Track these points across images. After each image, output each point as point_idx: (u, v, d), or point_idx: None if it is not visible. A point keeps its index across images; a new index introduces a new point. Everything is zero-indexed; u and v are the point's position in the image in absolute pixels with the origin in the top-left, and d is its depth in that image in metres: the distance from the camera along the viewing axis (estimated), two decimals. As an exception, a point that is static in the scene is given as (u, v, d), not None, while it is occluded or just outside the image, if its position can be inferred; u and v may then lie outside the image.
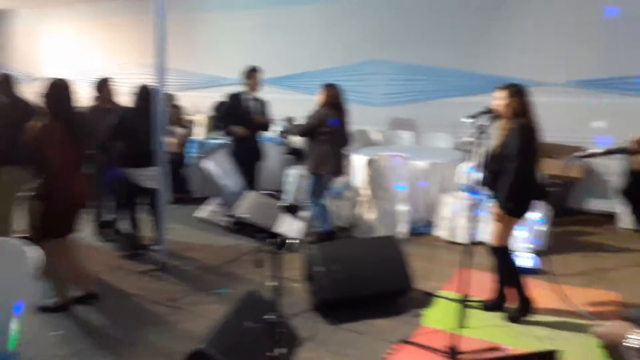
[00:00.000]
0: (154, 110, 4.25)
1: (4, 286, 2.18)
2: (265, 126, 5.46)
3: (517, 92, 3.30)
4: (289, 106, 6.20)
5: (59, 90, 3.55)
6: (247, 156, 5.22)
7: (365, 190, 5.29)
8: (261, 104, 5.46)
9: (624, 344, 1.08)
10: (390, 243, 3.87)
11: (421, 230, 5.42)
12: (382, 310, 3.66)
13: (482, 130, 2.97)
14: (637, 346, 1.05)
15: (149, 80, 4.42)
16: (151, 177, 4.55)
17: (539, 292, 3.63)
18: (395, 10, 7.07)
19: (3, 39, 11.48)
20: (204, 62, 8.74)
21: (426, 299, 3.86)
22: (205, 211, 1.85)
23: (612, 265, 4.48)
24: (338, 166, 4.97)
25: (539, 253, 4.71)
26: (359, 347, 3.25)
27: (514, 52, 6.10)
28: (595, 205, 5.87)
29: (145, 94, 4.56)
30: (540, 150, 3.37)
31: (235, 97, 5.35)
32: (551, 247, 4.89)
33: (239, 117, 5.25)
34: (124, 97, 5.06)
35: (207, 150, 1.91)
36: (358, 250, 3.86)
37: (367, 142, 7.02)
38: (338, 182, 5.59)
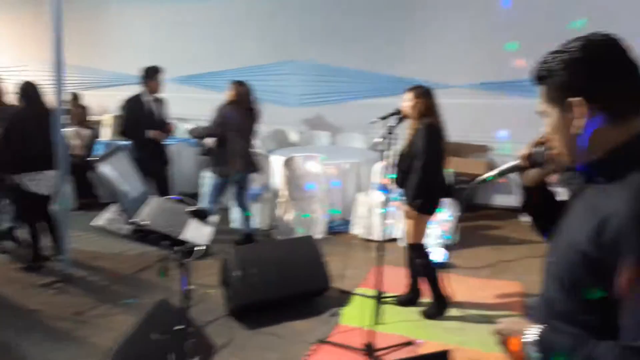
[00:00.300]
0: (51, 110, 3.92)
1: None
2: (169, 129, 5.19)
3: (423, 94, 3.43)
4: (202, 106, 5.99)
5: None
6: (152, 161, 4.91)
7: (283, 192, 5.26)
8: (161, 104, 5.14)
9: (522, 340, 1.10)
10: (307, 244, 3.86)
11: (339, 229, 5.48)
12: (301, 311, 3.64)
13: (390, 131, 3.06)
14: (533, 339, 1.08)
15: (49, 77, 4.06)
16: (46, 182, 4.21)
17: (450, 285, 3.78)
18: (311, 12, 7.11)
19: None
20: (110, 60, 8.27)
21: (344, 297, 3.89)
22: (102, 219, 1.70)
23: (516, 256, 4.78)
24: (248, 164, 4.88)
25: (448, 248, 4.94)
26: (277, 350, 3.20)
27: (424, 55, 6.37)
28: (500, 200, 6.26)
29: (30, 92, 4.21)
30: (447, 150, 3.52)
31: (135, 100, 4.95)
32: (460, 241, 5.16)
33: (142, 121, 4.88)
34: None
35: (103, 153, 1.75)
36: (274, 252, 3.81)
37: (285, 143, 6.99)
38: (256, 183, 5.51)
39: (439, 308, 3.61)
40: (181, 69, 7.83)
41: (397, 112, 3.25)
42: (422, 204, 3.41)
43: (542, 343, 1.06)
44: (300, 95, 7.33)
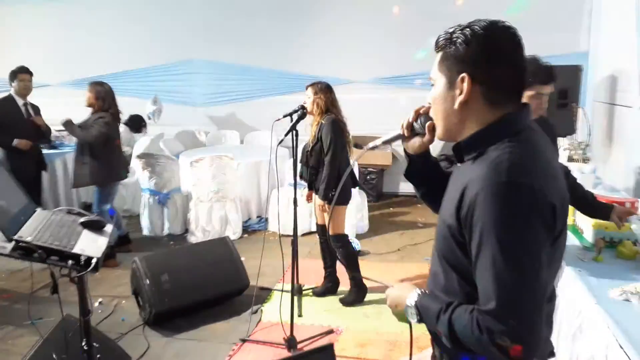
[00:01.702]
0: None
1: None
2: (46, 133, 4.88)
3: (322, 89, 3.54)
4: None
5: None
6: (30, 169, 4.65)
7: (194, 193, 5.14)
8: (35, 110, 4.83)
9: (407, 303, 1.21)
10: (221, 245, 3.82)
11: (255, 227, 5.48)
12: (221, 313, 3.61)
13: (293, 128, 3.12)
14: (411, 303, 1.19)
15: None
16: None
17: (366, 272, 3.93)
18: (212, 10, 6.98)
19: None
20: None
21: (264, 294, 3.91)
22: None
23: (423, 239, 5.08)
24: (124, 172, 4.75)
25: (361, 236, 5.14)
26: (198, 355, 3.14)
27: (328, 52, 6.54)
28: (405, 188, 6.60)
29: None
30: (350, 142, 3.66)
31: (4, 104, 4.61)
32: (370, 229, 5.38)
33: (14, 127, 4.54)
34: None
35: None
36: (186, 257, 3.72)
37: (194, 144, 6.83)
38: (165, 187, 5.32)
39: (358, 295, 3.74)
40: (79, 72, 7.34)
41: (302, 108, 3.32)
42: (334, 196, 3.51)
43: (419, 307, 1.17)
44: (204, 95, 7.19)
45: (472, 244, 1.05)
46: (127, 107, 5.27)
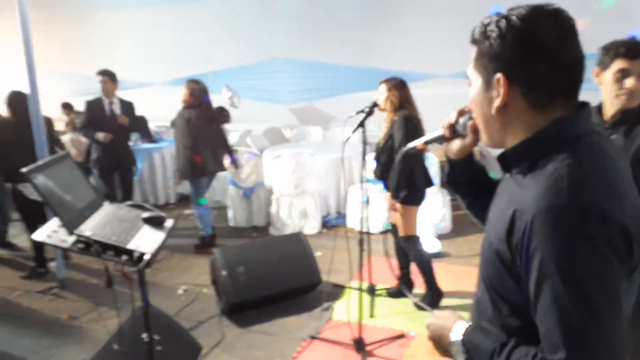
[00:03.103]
0: (33, 118, 3.92)
1: None
2: (130, 129, 5.22)
3: (395, 86, 3.41)
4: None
5: None
6: (116, 164, 4.99)
7: (276, 188, 5.26)
8: (125, 106, 5.17)
9: (451, 339, 1.03)
10: (295, 240, 3.86)
11: (333, 222, 5.48)
12: (293, 308, 3.64)
13: (362, 124, 3.05)
14: (457, 339, 1.01)
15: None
16: None
17: (444, 275, 3.76)
18: (297, 9, 7.08)
19: None
20: (101, 65, 8.30)
21: (336, 291, 3.89)
22: (43, 233, 1.66)
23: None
24: (215, 167, 4.85)
25: (442, 237, 4.92)
26: (268, 348, 3.20)
27: (409, 47, 6.35)
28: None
29: (18, 101, 4.20)
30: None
31: (94, 104, 5.01)
32: (453, 230, 5.13)
33: (103, 124, 4.92)
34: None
35: (41, 163, 1.70)
36: (263, 250, 3.80)
37: (279, 140, 6.99)
38: (249, 181, 5.51)
39: (433, 299, 3.59)
40: (169, 72, 7.84)
41: (374, 105, 3.23)
42: (408, 196, 3.38)
43: (466, 344, 1.00)
44: (289, 92, 7.32)
45: (530, 279, 0.86)
46: (216, 104, 5.49)
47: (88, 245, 1.62)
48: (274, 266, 3.63)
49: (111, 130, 4.93)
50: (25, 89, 3.91)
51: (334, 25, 6.83)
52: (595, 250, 0.81)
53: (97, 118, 4.93)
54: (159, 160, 6.47)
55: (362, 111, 3.18)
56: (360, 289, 3.27)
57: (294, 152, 5.13)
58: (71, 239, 1.62)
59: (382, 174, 3.52)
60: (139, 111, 6.74)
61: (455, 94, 6.21)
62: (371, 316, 3.48)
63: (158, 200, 6.48)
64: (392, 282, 3.85)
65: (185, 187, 6.69)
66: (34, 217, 4.43)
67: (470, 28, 1.02)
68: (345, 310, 3.51)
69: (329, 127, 7.05)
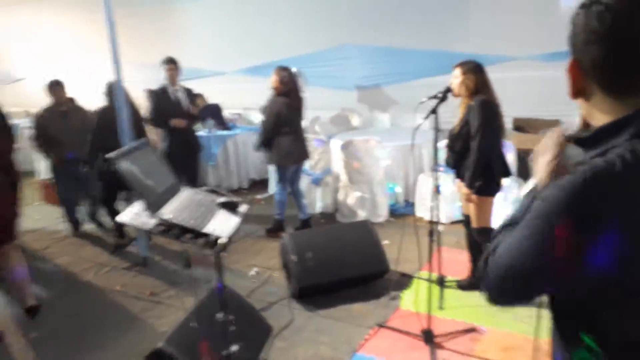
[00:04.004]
0: (119, 106, 4.19)
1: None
2: (196, 117, 5.36)
3: (471, 69, 3.25)
4: (265, 95, 6.12)
5: None
6: (183, 150, 5.16)
7: (343, 175, 5.26)
8: (189, 94, 5.32)
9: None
10: (363, 227, 3.85)
11: (401, 211, 5.41)
12: (360, 295, 3.65)
13: (434, 111, 2.95)
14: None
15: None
16: None
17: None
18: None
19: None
20: (180, 55, 8.65)
21: (404, 281, 3.85)
22: (127, 215, 1.77)
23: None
24: (301, 155, 4.87)
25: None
26: (334, 334, 3.24)
27: (487, 27, 6.01)
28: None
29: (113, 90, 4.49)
30: (504, 126, 3.33)
31: (160, 92, 5.20)
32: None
33: (170, 111, 5.11)
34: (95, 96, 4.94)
35: (125, 149, 1.80)
36: (330, 237, 3.84)
37: (347, 127, 6.97)
38: (317, 168, 5.56)
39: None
40: (245, 60, 8.02)
41: (448, 90, 3.11)
42: (483, 186, 3.26)
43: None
44: (358, 78, 7.25)
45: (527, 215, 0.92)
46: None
47: (168, 228, 1.70)
48: (341, 253, 3.65)
49: (179, 117, 5.12)
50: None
51: (404, 9, 6.66)
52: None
53: (164, 106, 5.14)
54: (233, 147, 6.68)
55: (435, 96, 3.07)
56: (429, 280, 3.21)
57: (362, 139, 5.10)
58: (153, 221, 1.72)
59: (455, 162, 3.40)
60: (213, 99, 7.02)
61: (535, 78, 5.90)
62: (440, 308, 3.41)
63: (232, 185, 6.70)
64: (463, 274, 3.74)
65: (257, 173, 6.91)
66: (115, 195, 4.77)
67: (551, 8, 0.97)
68: (413, 301, 3.48)
69: (397, 113, 6.93)
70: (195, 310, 2.52)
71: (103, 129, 4.52)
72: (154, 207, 1.73)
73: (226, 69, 8.23)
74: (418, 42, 6.59)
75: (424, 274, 3.75)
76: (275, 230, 4.92)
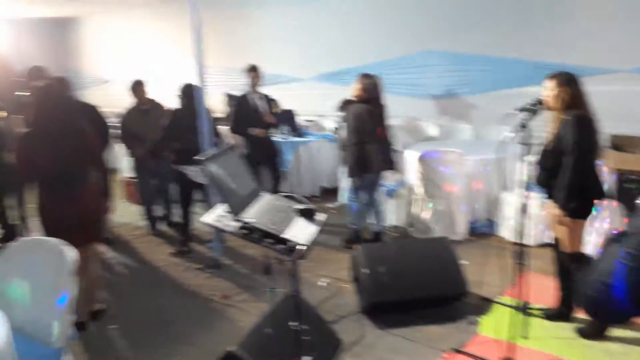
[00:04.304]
0: (198, 108, 4.30)
1: (46, 283, 2.23)
2: (275, 124, 5.40)
3: (567, 81, 2.99)
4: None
5: (44, 95, 3.28)
6: (262, 156, 5.21)
7: (418, 188, 5.07)
8: (268, 100, 5.37)
9: None
10: (441, 245, 3.67)
11: (482, 230, 5.12)
12: (435, 316, 3.47)
13: (524, 124, 2.73)
14: None
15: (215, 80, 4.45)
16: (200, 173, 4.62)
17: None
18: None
19: (74, 44, 12.19)
20: (258, 60, 8.85)
21: (484, 305, 3.61)
22: (211, 216, 1.77)
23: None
24: (381, 164, 4.66)
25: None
26: (407, 354, 3.08)
27: (582, 37, 5.60)
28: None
29: (187, 92, 4.63)
30: (601, 144, 3.04)
31: (241, 98, 5.27)
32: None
33: (249, 117, 5.16)
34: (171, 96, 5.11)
35: (212, 153, 1.83)
36: (406, 252, 3.68)
37: (424, 137, 6.75)
38: (391, 179, 5.40)
39: (600, 327, 3.14)
40: (320, 67, 8.05)
41: (538, 103, 2.89)
42: (576, 207, 2.98)
43: None
44: (438, 87, 7.01)
45: None
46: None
47: (249, 231, 1.68)
48: (417, 270, 3.49)
49: (259, 124, 5.19)
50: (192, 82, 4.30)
51: (492, 15, 6.37)
52: None
53: (245, 112, 5.21)
54: (305, 154, 6.68)
55: (524, 109, 2.86)
56: (512, 306, 2.97)
57: (441, 151, 4.89)
58: (235, 224, 1.70)
59: (546, 180, 3.14)
60: (287, 106, 7.07)
61: (637, 92, 5.40)
62: (524, 337, 3.15)
63: (302, 192, 6.69)
64: (549, 302, 3.45)
65: (329, 181, 6.86)
66: (189, 198, 4.89)
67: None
68: (493, 327, 3.25)
69: (480, 124, 6.61)
70: (268, 316, 2.47)
71: (173, 130, 4.66)
72: (237, 210, 1.72)
73: (302, 76, 8.31)
74: (504, 49, 6.27)
75: (506, 299, 3.51)
76: (352, 241, 4.78)
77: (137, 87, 5.33)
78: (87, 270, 3.60)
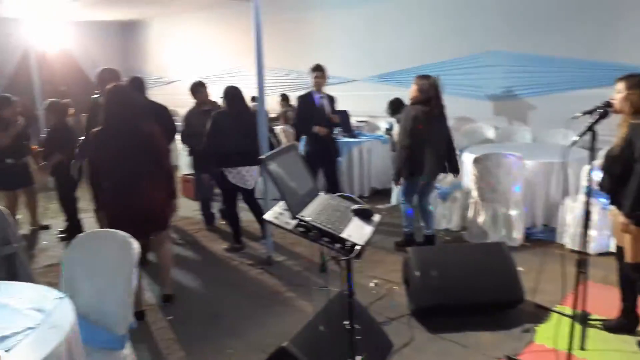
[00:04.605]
0: (252, 111, 4.40)
1: (111, 272, 2.37)
2: (337, 123, 5.44)
3: (637, 84, 2.83)
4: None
5: (113, 97, 3.40)
6: (324, 155, 5.26)
7: (474, 192, 4.96)
8: (330, 100, 5.40)
9: None
10: (496, 250, 3.57)
11: (539, 236, 4.95)
12: (489, 322, 3.39)
13: (591, 128, 2.61)
14: None
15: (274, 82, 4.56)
16: (243, 176, 4.73)
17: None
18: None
19: (138, 46, 12.78)
20: (314, 61, 8.93)
21: (540, 313, 3.50)
22: (271, 213, 1.82)
23: None
24: (434, 167, 4.54)
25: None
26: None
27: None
28: None
29: (231, 95, 4.74)
30: None
31: (306, 98, 5.33)
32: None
33: (314, 117, 5.22)
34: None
35: (273, 151, 1.86)
36: (459, 256, 3.62)
37: (481, 139, 6.59)
38: (446, 182, 5.32)
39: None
40: (376, 68, 8.03)
41: (607, 106, 2.76)
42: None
43: None
44: (497, 88, 6.82)
45: None
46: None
47: (307, 230, 1.72)
48: (470, 275, 3.42)
49: (321, 123, 5.26)
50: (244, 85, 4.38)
51: (555, 14, 6.13)
52: None
53: (309, 112, 5.30)
54: (357, 154, 6.70)
55: (591, 112, 2.75)
56: (570, 316, 2.87)
57: (499, 154, 4.76)
58: (293, 222, 1.75)
59: (612, 187, 3.00)
60: (342, 106, 7.12)
61: None
62: (582, 348, 3.03)
63: (352, 192, 6.71)
64: (610, 313, 3.30)
65: (380, 182, 6.84)
66: (229, 199, 5.00)
67: None
68: (550, 336, 3.14)
69: (541, 127, 6.37)
70: (321, 314, 2.51)
71: (217, 132, 4.69)
72: (295, 208, 1.77)
73: (356, 77, 8.32)
74: (569, 50, 6.01)
75: (564, 308, 3.38)
76: (404, 244, 4.71)
77: (198, 88, 5.54)
78: (161, 251, 3.80)
